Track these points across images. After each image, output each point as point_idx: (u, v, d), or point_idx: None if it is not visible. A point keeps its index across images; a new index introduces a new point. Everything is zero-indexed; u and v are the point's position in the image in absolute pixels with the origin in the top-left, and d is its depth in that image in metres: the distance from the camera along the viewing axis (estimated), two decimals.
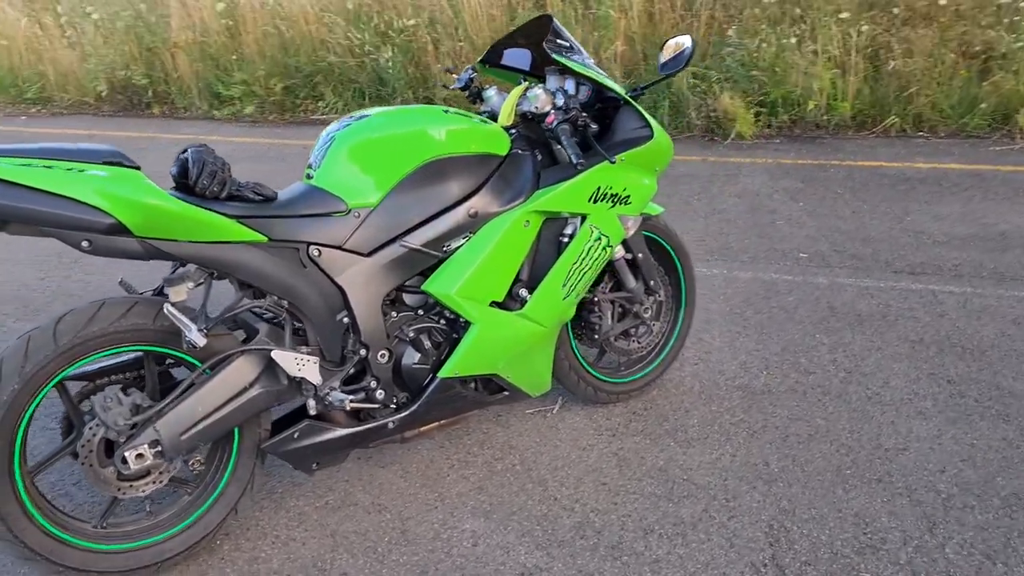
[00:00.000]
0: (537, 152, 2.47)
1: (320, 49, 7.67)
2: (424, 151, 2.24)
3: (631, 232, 2.59)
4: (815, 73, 6.67)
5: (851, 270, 3.98)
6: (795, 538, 2.24)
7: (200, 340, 1.94)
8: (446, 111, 2.33)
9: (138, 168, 1.93)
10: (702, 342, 3.33)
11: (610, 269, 2.74)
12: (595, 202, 2.44)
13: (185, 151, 2.02)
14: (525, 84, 2.56)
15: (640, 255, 2.74)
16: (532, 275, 2.43)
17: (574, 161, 2.25)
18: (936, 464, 2.52)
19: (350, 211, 2.19)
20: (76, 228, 1.81)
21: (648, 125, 2.54)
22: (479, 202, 2.31)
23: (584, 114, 2.43)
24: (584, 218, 2.45)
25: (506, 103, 2.49)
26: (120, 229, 1.84)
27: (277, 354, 2.09)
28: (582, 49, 2.56)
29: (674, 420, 2.80)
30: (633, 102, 2.54)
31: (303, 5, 7.66)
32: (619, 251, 2.68)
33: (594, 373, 2.80)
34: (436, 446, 2.69)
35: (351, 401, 2.22)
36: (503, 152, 2.38)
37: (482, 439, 2.72)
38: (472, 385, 2.44)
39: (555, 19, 2.52)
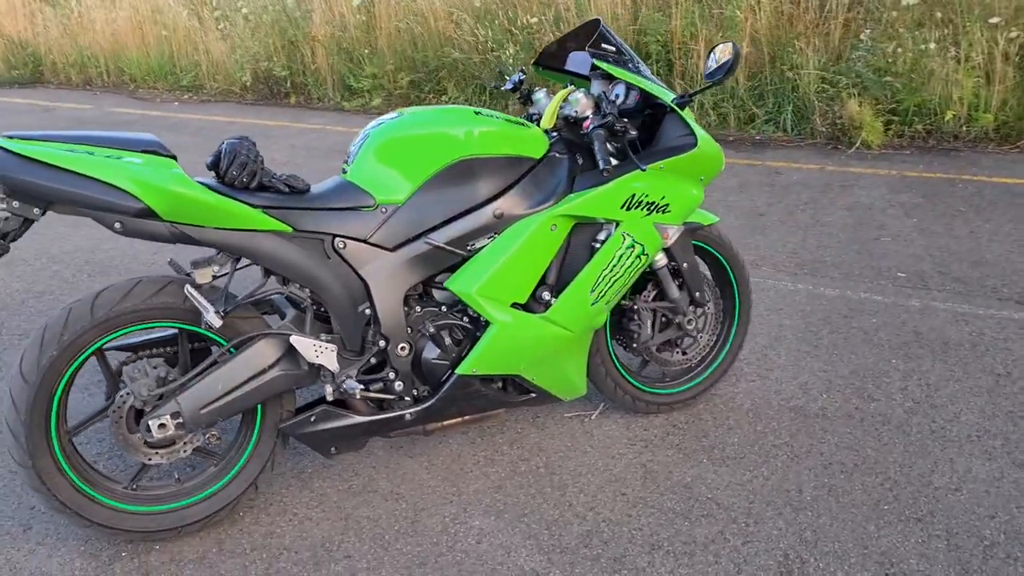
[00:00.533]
0: (578, 156, 2.45)
1: (446, 45, 7.84)
2: (452, 151, 2.27)
3: (671, 241, 2.53)
4: (957, 81, 6.26)
5: (950, 294, 3.73)
6: (810, 571, 2.14)
7: (216, 321, 2.05)
8: (478, 112, 2.36)
9: (173, 157, 2.05)
10: (766, 359, 3.21)
11: (654, 278, 2.69)
12: (629, 209, 2.40)
13: (223, 142, 2.14)
14: (570, 88, 2.54)
15: (685, 265, 2.67)
16: (560, 279, 2.42)
17: (601, 167, 2.23)
18: (987, 509, 2.34)
19: (377, 206, 2.25)
20: (110, 210, 1.95)
21: (692, 132, 2.47)
22: (505, 203, 2.32)
23: (625, 120, 2.40)
24: (617, 224, 2.41)
25: (549, 106, 2.48)
26: (149, 213, 1.97)
27: (296, 339, 2.18)
28: (633, 54, 2.52)
29: (714, 436, 2.73)
30: (678, 109, 2.48)
31: (433, 2, 7.86)
32: (661, 259, 2.63)
33: (633, 382, 2.76)
34: (467, 441, 2.73)
35: (367, 390, 2.29)
36: (537, 155, 2.38)
37: (513, 438, 2.74)
38: (496, 384, 2.46)
39: (602, 23, 2.50)
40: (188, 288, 2.07)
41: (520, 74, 2.66)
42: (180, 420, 2.13)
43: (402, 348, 2.30)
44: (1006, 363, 3.11)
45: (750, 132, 6.85)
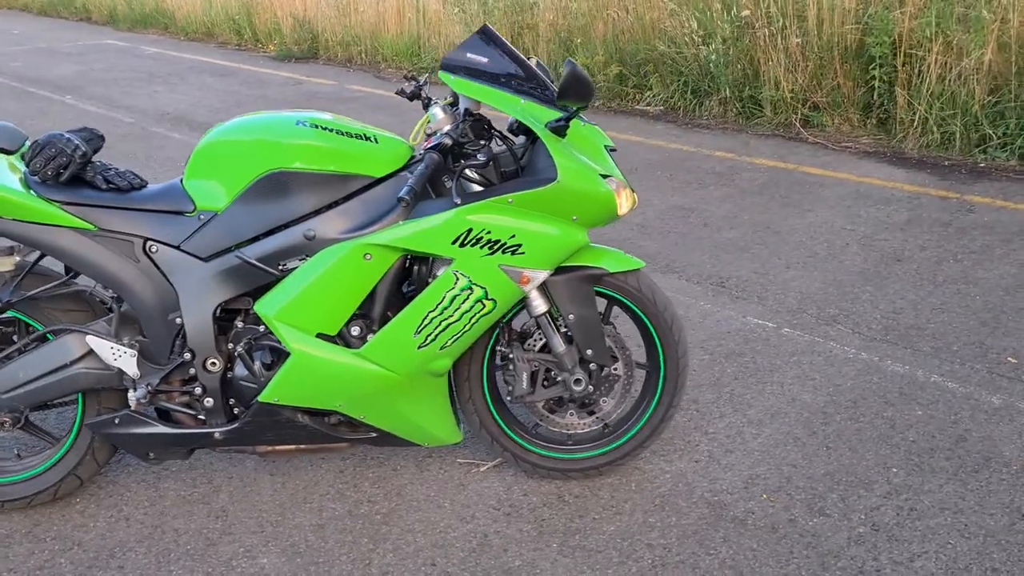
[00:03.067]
0: (439, 181, 2.18)
1: (655, 37, 7.42)
2: (265, 162, 2.12)
3: (528, 287, 2.17)
4: None
5: None
6: None
7: None
8: (316, 124, 2.16)
9: (7, 152, 2.12)
10: (739, 436, 2.68)
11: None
12: (463, 245, 2.09)
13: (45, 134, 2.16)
14: (444, 102, 2.26)
15: (571, 316, 2.28)
16: (384, 314, 2.17)
17: (399, 195, 1.95)
18: None
19: (197, 213, 2.16)
20: None
21: (553, 165, 2.09)
22: (319, 224, 2.12)
23: (472, 145, 2.09)
24: (451, 262, 2.11)
25: (420, 121, 2.23)
26: None
27: (92, 339, 2.17)
28: (522, 65, 2.18)
29: (591, 519, 2.33)
30: (548, 136, 2.10)
31: None
32: (539, 306, 2.27)
33: (515, 438, 2.44)
34: (334, 468, 2.56)
35: (167, 401, 2.23)
36: (377, 174, 2.15)
37: (383, 475, 2.53)
38: (325, 418, 2.27)
39: (489, 28, 2.18)
40: None
41: (415, 83, 2.39)
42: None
43: (212, 364, 2.20)
44: None
45: (976, 157, 5.74)
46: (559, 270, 2.26)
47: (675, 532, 2.27)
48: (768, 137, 6.39)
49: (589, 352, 2.32)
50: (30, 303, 2.21)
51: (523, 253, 2.12)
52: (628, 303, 2.37)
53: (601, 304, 2.38)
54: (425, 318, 2.13)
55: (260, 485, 2.49)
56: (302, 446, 2.32)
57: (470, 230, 2.08)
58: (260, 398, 2.18)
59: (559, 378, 2.37)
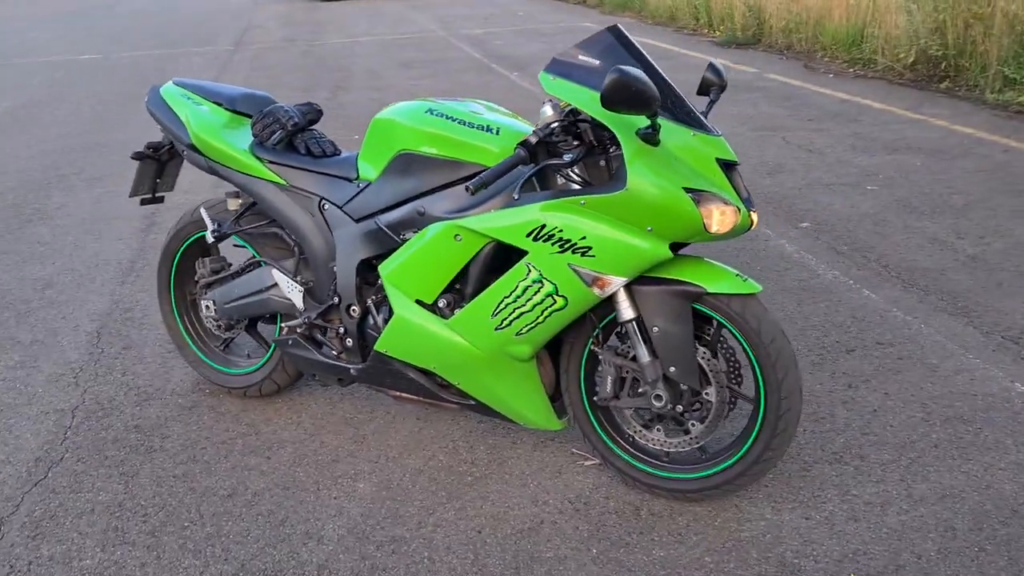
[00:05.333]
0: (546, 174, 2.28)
1: None
2: (402, 143, 2.40)
3: (600, 292, 2.16)
4: None
5: None
6: None
7: (210, 238, 2.71)
8: (443, 114, 2.37)
9: (245, 114, 2.74)
10: (878, 508, 2.35)
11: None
12: (535, 240, 2.16)
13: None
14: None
15: (655, 329, 2.23)
16: (475, 293, 2.34)
17: (469, 185, 2.10)
18: None
19: (358, 181, 2.55)
20: (180, 141, 2.75)
21: (625, 173, 2.05)
22: (430, 203, 2.36)
23: (565, 145, 2.15)
24: (526, 254, 2.21)
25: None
26: (195, 148, 2.71)
27: (276, 273, 2.70)
28: (646, 68, 2.16)
29: (646, 538, 2.27)
30: (629, 142, 2.07)
31: None
32: (627, 312, 2.25)
33: (605, 440, 2.45)
34: (456, 422, 2.80)
35: (322, 335, 2.66)
36: (487, 163, 2.31)
37: (493, 443, 2.71)
38: (430, 376, 2.51)
39: (618, 28, 2.20)
40: (202, 208, 2.76)
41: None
42: (214, 307, 2.86)
43: (352, 310, 2.58)
44: None
45: None
46: (652, 280, 2.21)
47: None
48: None
49: (672, 370, 2.24)
50: (250, 235, 2.80)
51: (593, 256, 2.12)
52: (731, 328, 2.22)
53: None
54: (500, 303, 2.25)
55: (402, 425, 2.83)
56: (419, 398, 2.60)
57: (543, 226, 2.15)
58: (375, 346, 2.50)
59: (641, 390, 2.32)
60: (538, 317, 2.23)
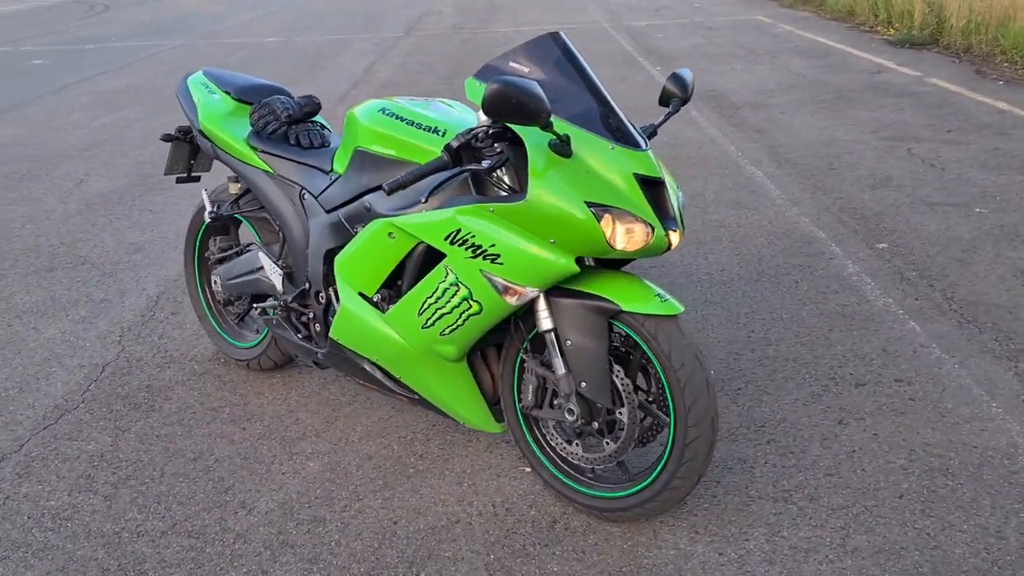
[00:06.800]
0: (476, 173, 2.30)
1: None
2: (359, 140, 2.49)
3: (514, 300, 2.15)
4: None
5: None
6: None
7: (207, 219, 2.92)
8: (394, 114, 2.42)
9: (250, 104, 2.93)
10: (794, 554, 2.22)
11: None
12: (452, 244, 2.19)
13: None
14: None
15: (568, 342, 2.20)
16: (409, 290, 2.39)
17: (384, 185, 2.15)
18: None
19: (332, 173, 2.67)
20: (194, 128, 2.98)
21: (514, 183, 2.04)
22: (375, 200, 2.42)
23: (488, 151, 2.16)
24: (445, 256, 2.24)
25: None
26: (203, 134, 2.93)
27: (262, 256, 2.87)
28: (582, 81, 2.14)
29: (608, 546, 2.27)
30: (534, 153, 2.05)
31: None
32: (546, 322, 2.23)
33: (534, 448, 2.45)
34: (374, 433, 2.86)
35: (296, 319, 2.81)
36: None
37: (443, 443, 2.76)
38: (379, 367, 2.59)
39: (559, 36, 2.19)
40: (204, 191, 2.97)
41: None
42: (220, 283, 3.08)
43: (320, 296, 2.71)
44: None
45: None
46: (569, 293, 2.19)
47: None
48: None
49: (583, 385, 2.20)
50: (251, 219, 2.98)
51: (501, 264, 2.12)
52: (645, 349, 2.16)
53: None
54: (424, 302, 2.29)
55: (375, 412, 2.93)
56: (376, 387, 2.68)
57: (459, 230, 2.17)
58: (329, 333, 2.61)
59: (556, 403, 2.29)
60: (457, 320, 2.26)
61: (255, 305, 2.94)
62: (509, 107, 1.90)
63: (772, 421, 2.77)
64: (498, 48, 10.81)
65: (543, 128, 1.97)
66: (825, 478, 2.49)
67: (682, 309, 2.16)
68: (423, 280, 2.29)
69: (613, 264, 2.34)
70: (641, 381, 2.30)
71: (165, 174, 3.26)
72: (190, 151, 3.21)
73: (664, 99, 2.41)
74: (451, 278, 2.21)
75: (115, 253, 4.46)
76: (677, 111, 2.41)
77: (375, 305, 2.46)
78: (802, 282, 3.80)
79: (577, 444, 2.35)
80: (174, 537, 2.36)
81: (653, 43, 10.93)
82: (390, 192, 2.11)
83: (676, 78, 2.39)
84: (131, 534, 2.38)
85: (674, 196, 2.17)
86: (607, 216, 2.02)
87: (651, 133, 2.33)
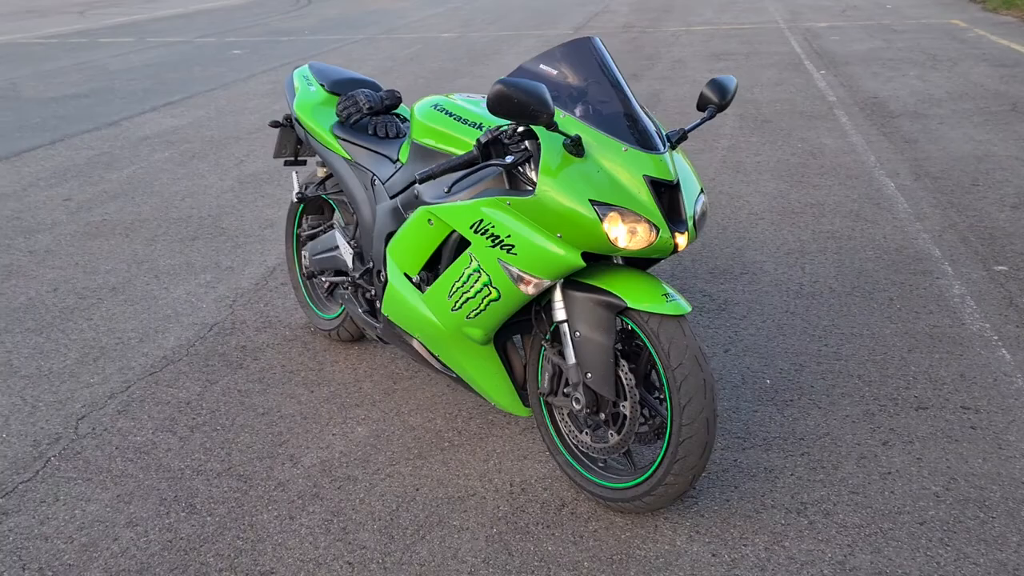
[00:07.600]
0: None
1: None
2: (413, 133, 2.67)
3: (528, 289, 2.26)
4: None
5: None
6: None
7: (294, 199, 3.20)
8: (443, 109, 2.58)
9: (339, 95, 3.19)
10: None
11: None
12: (475, 232, 2.32)
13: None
14: None
15: (577, 333, 2.28)
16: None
17: (416, 175, 2.32)
18: None
19: (398, 162, 2.88)
20: (292, 115, 3.28)
21: (536, 179, 2.14)
22: (423, 188, 2.60)
23: (514, 147, 2.27)
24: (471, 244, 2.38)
25: None
26: (298, 121, 3.22)
27: (337, 235, 3.12)
28: (610, 84, 2.22)
29: (608, 531, 2.37)
30: (547, 150, 2.15)
31: None
32: (560, 312, 2.33)
33: (552, 433, 2.54)
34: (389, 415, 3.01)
35: (364, 294, 3.04)
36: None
37: (483, 422, 2.90)
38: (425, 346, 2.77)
39: (594, 41, 2.28)
40: (294, 172, 3.25)
41: None
42: (307, 258, 3.37)
43: (381, 275, 2.92)
44: None
45: None
46: (582, 287, 2.27)
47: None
48: None
49: (588, 376, 2.28)
50: (336, 201, 3.24)
51: (516, 254, 2.24)
52: (649, 346, 2.21)
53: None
54: (453, 286, 2.44)
55: (431, 388, 3.11)
56: (421, 363, 2.86)
57: (481, 220, 2.30)
58: (381, 308, 2.82)
59: (566, 391, 2.38)
60: (480, 304, 2.39)
61: (331, 280, 3.19)
62: (511, 107, 2.01)
63: (813, 435, 2.72)
64: (663, 48, 10.79)
65: (547, 128, 2.07)
66: (848, 496, 2.44)
67: (688, 310, 2.19)
68: (452, 265, 2.44)
69: (639, 264, 2.40)
70: (654, 378, 2.35)
71: (274, 157, 3.58)
72: (296, 137, 3.51)
73: (701, 104, 2.43)
74: (474, 264, 2.35)
75: (251, 227, 4.90)
76: (712, 117, 2.42)
77: (416, 286, 2.63)
78: (896, 300, 3.65)
79: (587, 433, 2.42)
80: (226, 478, 2.63)
81: (826, 46, 10.51)
82: (421, 181, 2.28)
83: (715, 84, 2.41)
84: (192, 471, 2.68)
85: (690, 200, 2.20)
86: (611, 214, 2.09)
87: (680, 137, 2.36)
